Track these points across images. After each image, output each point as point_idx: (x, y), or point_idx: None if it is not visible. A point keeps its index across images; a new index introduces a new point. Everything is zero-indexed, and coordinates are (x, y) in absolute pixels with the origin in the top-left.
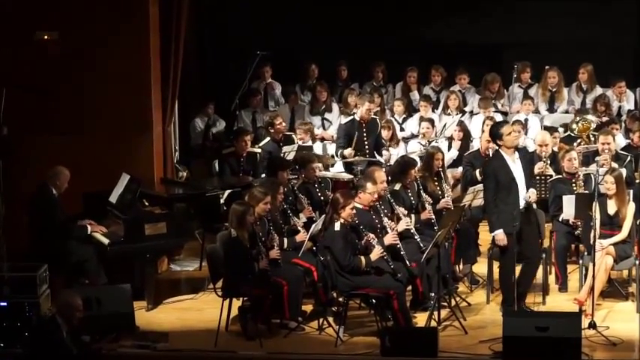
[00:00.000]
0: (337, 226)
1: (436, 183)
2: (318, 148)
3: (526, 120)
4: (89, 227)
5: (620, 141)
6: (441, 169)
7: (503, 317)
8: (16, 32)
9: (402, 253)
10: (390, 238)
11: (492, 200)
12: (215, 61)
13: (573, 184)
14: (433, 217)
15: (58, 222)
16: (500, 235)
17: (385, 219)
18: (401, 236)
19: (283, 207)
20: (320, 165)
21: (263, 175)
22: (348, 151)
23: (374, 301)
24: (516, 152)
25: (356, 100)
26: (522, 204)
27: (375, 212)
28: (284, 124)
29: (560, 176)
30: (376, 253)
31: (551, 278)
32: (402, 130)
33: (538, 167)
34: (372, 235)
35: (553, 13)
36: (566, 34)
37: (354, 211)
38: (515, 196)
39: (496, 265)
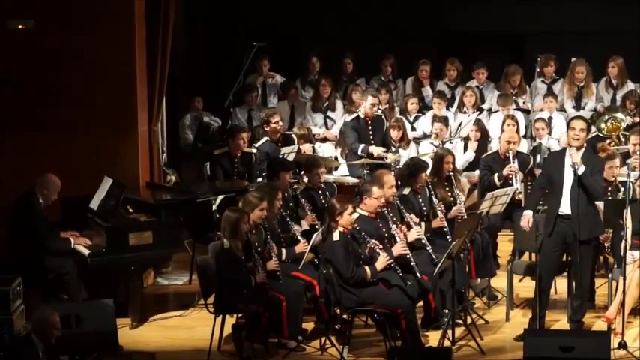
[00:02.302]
0: (336, 236)
1: (447, 189)
2: (319, 149)
3: (550, 118)
4: (72, 240)
5: None
6: (451, 174)
7: (524, 336)
8: None
9: (412, 264)
10: (399, 248)
11: (537, 187)
12: (207, 53)
13: (609, 193)
14: (446, 225)
15: (40, 235)
16: (527, 215)
17: (394, 226)
18: (411, 247)
19: (282, 214)
20: (323, 169)
21: (259, 179)
22: (379, 150)
23: (380, 317)
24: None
25: (359, 98)
26: (565, 211)
27: (382, 220)
28: (281, 123)
29: None
30: (382, 260)
31: None
32: (413, 129)
33: None
34: (375, 242)
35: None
36: (594, 24)
37: (354, 217)
38: (556, 200)
39: (516, 278)
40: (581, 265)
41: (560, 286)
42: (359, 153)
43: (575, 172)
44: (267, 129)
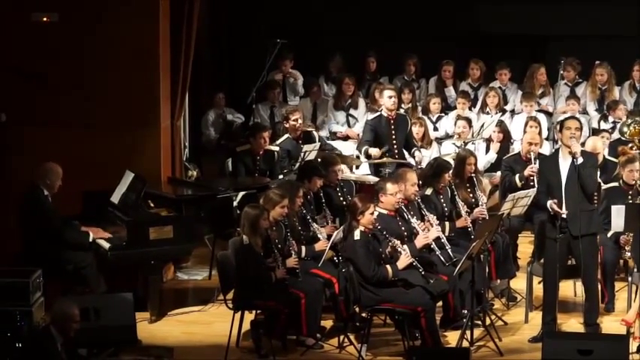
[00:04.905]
0: (357, 235)
1: (469, 190)
2: (341, 147)
3: None
4: (91, 234)
5: None
6: (473, 175)
7: (542, 339)
8: (12, 13)
9: (437, 253)
10: (422, 239)
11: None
12: (229, 50)
13: (630, 197)
14: (470, 225)
15: (52, 227)
16: (551, 203)
17: (413, 219)
18: (430, 247)
19: (302, 212)
20: (344, 167)
21: (281, 176)
22: (375, 151)
23: (399, 317)
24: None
25: (380, 97)
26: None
27: (401, 218)
28: (300, 120)
29: (616, 184)
30: (404, 260)
31: None
32: (435, 129)
33: None
34: (397, 242)
35: (605, 1)
36: (619, 26)
37: (375, 216)
38: (558, 203)
39: (536, 280)
40: (583, 263)
41: (580, 289)
42: (360, 154)
43: (573, 161)
44: (287, 125)
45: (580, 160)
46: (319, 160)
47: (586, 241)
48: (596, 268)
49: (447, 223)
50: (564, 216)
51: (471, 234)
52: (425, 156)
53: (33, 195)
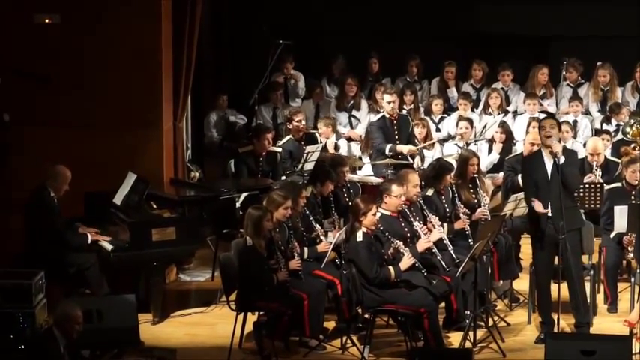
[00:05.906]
0: (359, 236)
1: (471, 191)
2: (343, 148)
3: (575, 122)
4: (89, 236)
5: None
6: (476, 176)
7: (545, 339)
8: (13, 13)
9: (438, 257)
10: (423, 243)
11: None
12: (232, 51)
13: (632, 198)
14: (468, 227)
15: (54, 228)
16: (537, 202)
17: (416, 223)
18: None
19: (305, 213)
20: (348, 167)
21: (283, 178)
22: (407, 148)
23: (402, 318)
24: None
25: (381, 98)
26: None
27: (404, 220)
28: (303, 122)
29: (618, 185)
30: (406, 261)
31: (600, 297)
32: (437, 130)
33: (587, 178)
34: (399, 243)
35: (607, 1)
36: (619, 27)
37: (377, 217)
38: (545, 201)
39: None
40: (567, 259)
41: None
42: (386, 153)
43: (556, 162)
44: (290, 127)
45: (562, 159)
46: (328, 160)
47: (570, 237)
48: (580, 263)
49: (445, 225)
50: (549, 214)
51: (469, 236)
52: (427, 157)
53: (40, 194)
